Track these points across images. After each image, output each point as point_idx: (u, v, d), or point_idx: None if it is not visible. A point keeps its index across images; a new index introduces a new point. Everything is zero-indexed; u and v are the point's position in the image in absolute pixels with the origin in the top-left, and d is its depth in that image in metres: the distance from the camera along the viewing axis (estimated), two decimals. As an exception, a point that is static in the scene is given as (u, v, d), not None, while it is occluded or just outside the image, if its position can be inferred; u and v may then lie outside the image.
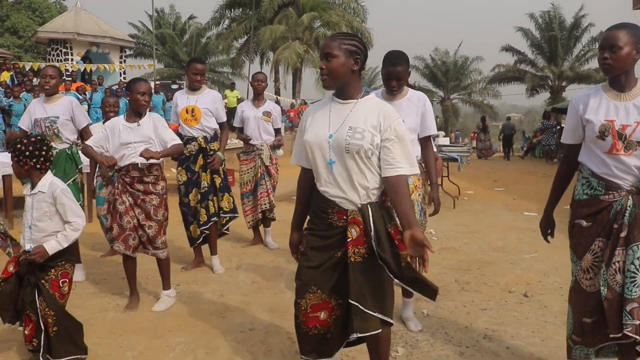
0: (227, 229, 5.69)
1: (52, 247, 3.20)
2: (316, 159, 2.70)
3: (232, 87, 23.41)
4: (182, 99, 5.32)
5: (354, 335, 2.68)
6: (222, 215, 5.41)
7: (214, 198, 5.32)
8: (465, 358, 3.52)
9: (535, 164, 18.33)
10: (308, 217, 2.87)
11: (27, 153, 3.20)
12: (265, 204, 6.20)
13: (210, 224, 5.29)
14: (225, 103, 18.73)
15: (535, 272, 5.38)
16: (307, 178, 2.86)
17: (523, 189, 11.77)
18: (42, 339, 3.23)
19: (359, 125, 2.61)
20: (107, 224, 4.37)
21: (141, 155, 4.04)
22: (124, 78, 22.45)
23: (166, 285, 4.45)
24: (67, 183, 4.73)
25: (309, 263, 2.74)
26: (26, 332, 3.29)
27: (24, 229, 3.29)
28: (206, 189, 5.25)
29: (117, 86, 18.14)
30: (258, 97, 6.32)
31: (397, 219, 2.63)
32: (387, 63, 3.63)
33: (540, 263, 5.71)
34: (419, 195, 3.85)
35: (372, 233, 2.59)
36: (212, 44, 37.53)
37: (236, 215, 5.56)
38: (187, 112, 5.25)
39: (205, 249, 5.50)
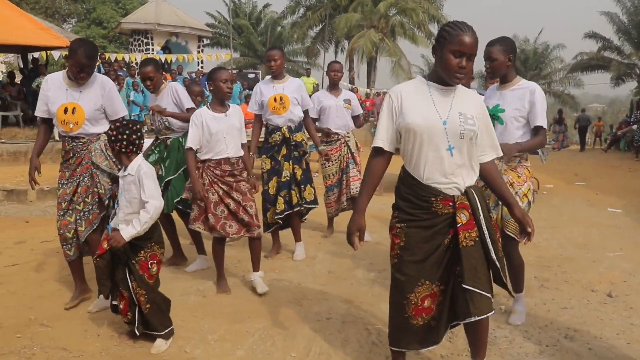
0: (305, 219, 5.75)
1: (127, 232, 3.33)
2: (423, 145, 2.68)
3: (307, 72, 23.38)
4: (268, 88, 5.34)
5: (470, 319, 2.69)
6: (304, 205, 5.45)
7: (296, 188, 5.36)
8: (545, 357, 3.43)
9: (620, 158, 17.48)
10: (396, 208, 2.86)
11: (113, 138, 3.38)
12: (355, 189, 6.12)
13: (287, 213, 5.35)
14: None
15: (620, 271, 5.17)
16: (384, 162, 2.85)
17: (606, 183, 11.29)
18: (136, 313, 3.46)
19: (467, 111, 2.67)
20: (194, 214, 4.44)
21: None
22: (202, 67, 23.03)
23: (256, 267, 4.59)
24: (179, 172, 4.99)
25: (414, 257, 2.75)
26: (120, 306, 3.51)
27: (118, 209, 3.48)
28: (287, 178, 5.30)
29: (194, 74, 18.67)
30: (335, 87, 6.31)
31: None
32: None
33: (625, 262, 5.48)
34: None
35: (481, 216, 2.67)
36: (287, 33, 37.84)
37: (316, 205, 5.59)
38: (275, 100, 5.27)
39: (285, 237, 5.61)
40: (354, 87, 25.77)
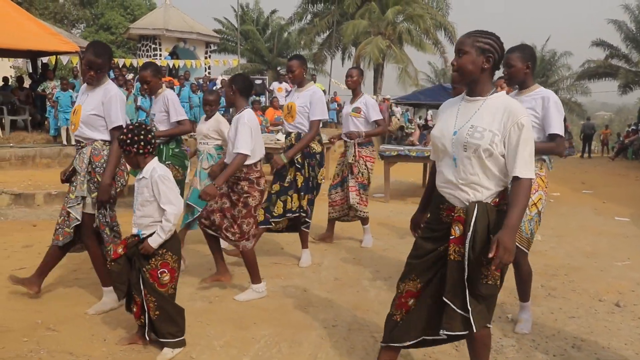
0: (307, 227, 5.61)
1: (154, 240, 3.36)
2: (438, 153, 2.80)
3: (313, 79, 23.36)
4: (290, 95, 5.62)
5: (442, 332, 2.72)
6: (301, 213, 5.38)
7: (294, 195, 5.31)
8: (553, 367, 3.43)
9: (627, 166, 17.45)
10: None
11: (129, 141, 3.37)
12: (352, 199, 6.14)
13: (284, 218, 5.29)
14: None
15: (628, 281, 5.14)
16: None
17: (614, 192, 11.26)
18: (147, 318, 3.46)
19: (481, 124, 2.61)
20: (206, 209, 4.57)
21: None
22: (209, 73, 23.11)
23: (253, 279, 4.56)
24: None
25: (415, 252, 2.89)
26: (134, 309, 3.51)
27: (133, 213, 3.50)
28: (288, 183, 5.30)
29: (201, 80, 18.72)
30: (354, 93, 6.34)
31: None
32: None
33: (633, 271, 5.46)
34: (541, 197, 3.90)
35: (470, 233, 2.56)
36: (294, 39, 37.95)
37: (308, 220, 5.45)
38: (286, 108, 5.46)
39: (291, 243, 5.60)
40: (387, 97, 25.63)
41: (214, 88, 17.54)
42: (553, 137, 3.76)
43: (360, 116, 6.20)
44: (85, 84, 4.22)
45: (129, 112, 12.58)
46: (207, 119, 5.55)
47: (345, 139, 6.27)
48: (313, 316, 4.16)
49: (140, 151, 3.40)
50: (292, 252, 5.87)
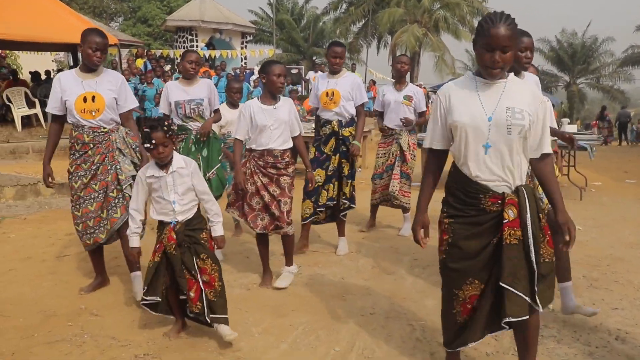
0: (345, 215, 5.63)
1: (219, 228, 3.55)
2: (469, 141, 2.65)
3: (353, 68, 23.24)
4: (323, 83, 5.40)
5: (506, 320, 2.64)
6: (343, 200, 5.44)
7: (336, 182, 5.34)
8: (595, 359, 3.34)
9: (672, 155, 16.91)
10: (445, 204, 2.84)
11: (170, 133, 3.39)
12: (394, 188, 6.07)
13: (326, 207, 5.34)
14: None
15: (674, 272, 5.00)
16: (438, 161, 2.86)
17: (659, 181, 10.93)
18: (205, 300, 3.46)
19: (516, 105, 2.60)
20: (231, 199, 4.56)
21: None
22: (245, 63, 23.23)
23: (290, 261, 4.61)
24: (222, 161, 5.30)
25: (461, 253, 2.73)
26: (192, 294, 3.44)
27: (164, 207, 3.45)
28: (332, 172, 5.30)
29: (238, 70, 18.82)
30: (400, 81, 6.25)
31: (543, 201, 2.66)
32: None
33: (679, 262, 5.29)
34: None
35: (528, 215, 2.60)
36: (329, 29, 37.83)
37: (353, 206, 5.51)
38: (327, 95, 5.32)
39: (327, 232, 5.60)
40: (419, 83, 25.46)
41: (251, 78, 17.63)
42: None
43: (411, 105, 6.16)
44: (73, 72, 4.20)
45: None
46: (234, 107, 5.62)
47: (394, 126, 6.15)
48: (350, 304, 4.17)
49: (172, 140, 3.43)
50: (329, 240, 5.88)
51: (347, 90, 5.31)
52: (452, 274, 2.77)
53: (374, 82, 23.41)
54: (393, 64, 6.22)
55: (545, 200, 3.41)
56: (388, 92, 6.25)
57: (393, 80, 6.44)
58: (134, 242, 3.56)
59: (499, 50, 2.51)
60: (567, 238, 2.67)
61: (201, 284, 3.44)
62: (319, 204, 5.32)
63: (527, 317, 2.63)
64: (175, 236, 3.42)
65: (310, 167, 4.77)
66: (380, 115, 6.33)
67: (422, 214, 2.91)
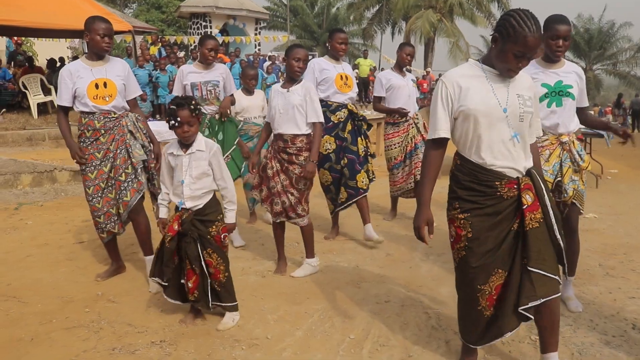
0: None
1: (232, 216, 3.54)
2: (484, 129, 2.61)
3: (365, 54, 23.04)
4: (330, 67, 5.28)
5: (536, 302, 2.64)
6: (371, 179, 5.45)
7: (365, 166, 5.31)
8: (612, 348, 3.31)
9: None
10: (455, 199, 2.77)
11: (197, 112, 3.35)
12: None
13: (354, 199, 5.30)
14: (357, 73, 18.67)
15: (693, 260, 4.93)
16: (442, 152, 2.79)
17: (677, 169, 10.78)
18: (209, 289, 3.51)
19: (523, 92, 2.66)
20: (255, 182, 4.58)
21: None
22: (259, 50, 23.16)
23: (309, 253, 4.56)
24: (236, 143, 5.38)
25: (486, 246, 2.68)
26: (190, 284, 3.49)
27: (177, 188, 3.46)
28: (364, 152, 5.28)
29: (252, 56, 18.79)
30: (402, 69, 6.17)
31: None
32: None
33: (699, 250, 5.23)
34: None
35: (545, 195, 2.65)
36: (343, 14, 37.58)
37: (366, 192, 5.39)
38: (341, 78, 5.27)
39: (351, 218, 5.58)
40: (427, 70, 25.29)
41: (264, 65, 17.58)
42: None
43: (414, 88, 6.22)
44: (79, 61, 4.22)
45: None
46: (250, 93, 5.61)
47: (409, 112, 5.99)
48: (365, 292, 4.16)
49: (198, 121, 3.41)
50: (344, 227, 5.86)
51: (353, 75, 5.40)
52: (475, 271, 2.71)
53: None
54: (400, 52, 6.04)
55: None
56: (393, 77, 6.02)
57: (392, 68, 6.25)
58: (161, 212, 3.61)
59: (526, 58, 2.53)
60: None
61: (202, 274, 3.50)
62: (341, 200, 5.31)
63: (560, 294, 2.68)
64: (176, 227, 3.42)
65: (315, 159, 4.36)
66: (379, 101, 6.07)
67: (425, 209, 2.79)
